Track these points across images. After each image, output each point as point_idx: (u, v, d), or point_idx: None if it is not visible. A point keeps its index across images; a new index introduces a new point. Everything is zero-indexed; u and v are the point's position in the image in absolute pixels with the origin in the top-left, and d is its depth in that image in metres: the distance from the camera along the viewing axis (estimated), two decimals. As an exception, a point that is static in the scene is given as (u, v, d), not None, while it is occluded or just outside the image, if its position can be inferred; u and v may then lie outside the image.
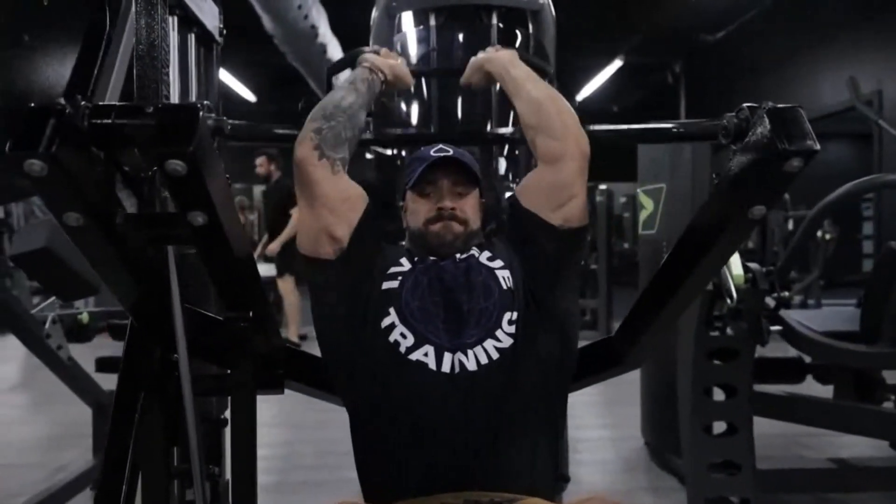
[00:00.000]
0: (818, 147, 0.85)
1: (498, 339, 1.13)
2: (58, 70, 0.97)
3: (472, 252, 1.27)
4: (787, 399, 2.54)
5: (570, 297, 1.25)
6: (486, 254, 1.27)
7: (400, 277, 1.22)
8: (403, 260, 1.26)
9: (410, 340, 1.13)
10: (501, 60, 1.40)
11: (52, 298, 2.44)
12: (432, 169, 1.26)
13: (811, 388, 2.78)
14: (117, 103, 0.92)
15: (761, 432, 2.46)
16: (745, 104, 0.94)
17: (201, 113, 0.84)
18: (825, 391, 2.81)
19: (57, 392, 3.01)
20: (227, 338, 1.13)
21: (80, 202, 0.86)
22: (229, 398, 1.71)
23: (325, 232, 1.19)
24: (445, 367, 1.10)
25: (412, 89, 1.70)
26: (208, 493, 1.43)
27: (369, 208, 1.26)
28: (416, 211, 1.29)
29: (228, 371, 1.35)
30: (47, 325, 2.30)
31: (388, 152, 2.49)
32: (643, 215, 3.04)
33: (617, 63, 9.64)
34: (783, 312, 2.45)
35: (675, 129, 1.28)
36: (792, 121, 0.87)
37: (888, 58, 7.35)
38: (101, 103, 0.92)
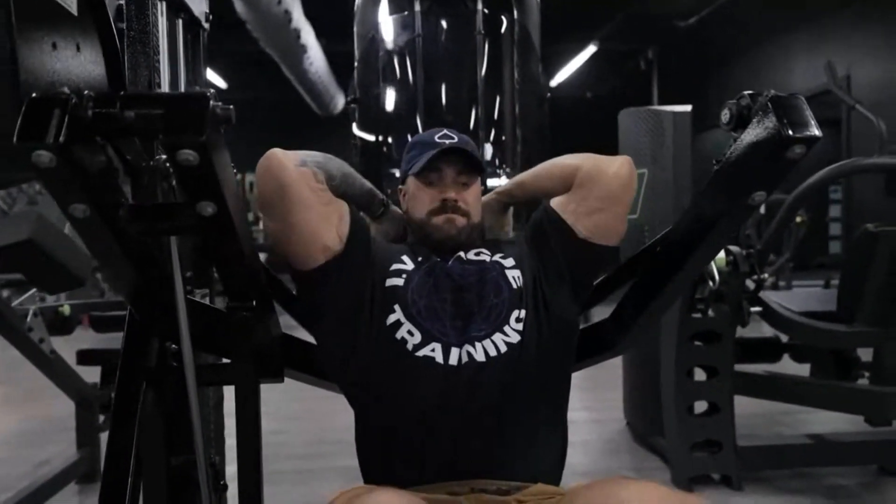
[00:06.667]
0: (820, 134, 0.87)
1: (506, 334, 1.13)
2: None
3: (482, 251, 1.25)
4: (768, 378, 2.62)
5: (578, 306, 1.24)
6: (500, 254, 1.25)
7: (405, 275, 1.19)
8: (405, 258, 1.23)
9: (418, 338, 1.11)
10: (502, 189, 1.38)
11: (32, 291, 2.40)
12: (437, 157, 1.25)
13: (785, 366, 2.86)
14: (122, 92, 0.90)
15: (740, 411, 2.53)
16: (745, 92, 0.96)
17: (211, 101, 0.83)
18: (800, 369, 2.90)
19: (36, 386, 2.97)
20: (230, 328, 1.12)
21: (86, 193, 0.85)
22: (223, 388, 1.72)
23: (316, 238, 1.13)
24: (453, 360, 1.09)
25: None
26: (212, 483, 1.43)
27: (354, 209, 1.23)
28: (420, 199, 1.27)
29: (224, 361, 1.35)
30: (28, 319, 2.25)
31: (372, 139, 2.49)
32: (625, 200, 3.07)
33: (591, 49, 9.67)
34: (762, 294, 2.52)
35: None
36: (795, 108, 0.89)
37: (857, 44, 7.52)
38: (104, 92, 0.91)
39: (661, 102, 10.57)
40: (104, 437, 2.77)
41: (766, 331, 2.76)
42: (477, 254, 1.24)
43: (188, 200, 0.88)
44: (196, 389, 1.12)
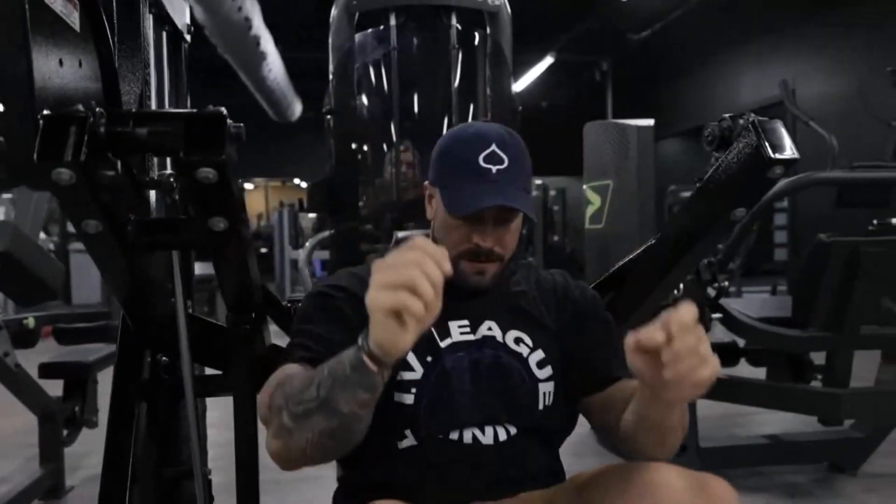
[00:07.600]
0: (798, 156, 0.95)
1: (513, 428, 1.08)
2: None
3: (522, 336, 1.10)
4: (727, 382, 2.72)
5: None
6: (539, 355, 1.09)
7: (413, 389, 1.03)
8: (412, 359, 1.04)
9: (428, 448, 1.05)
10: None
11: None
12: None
13: (741, 370, 2.98)
14: (134, 110, 0.91)
15: (699, 413, 2.63)
16: (726, 114, 1.03)
17: (228, 120, 0.85)
18: (756, 372, 3.03)
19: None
20: (231, 339, 1.14)
21: (100, 209, 0.86)
22: (206, 399, 1.72)
23: None
24: (453, 436, 1.04)
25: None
26: (206, 494, 1.43)
27: None
28: (451, 235, 1.07)
29: (209, 372, 1.36)
30: (-7, 332, 2.20)
31: (353, 146, 2.50)
32: (590, 210, 3.17)
33: (548, 60, 9.87)
34: (722, 301, 2.63)
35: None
36: (775, 132, 0.97)
37: (801, 60, 7.87)
38: (116, 110, 0.92)
39: (616, 112, 10.86)
40: (68, 452, 2.71)
41: (719, 335, 2.87)
42: (517, 340, 1.10)
43: (198, 215, 0.90)
44: (194, 402, 1.14)
